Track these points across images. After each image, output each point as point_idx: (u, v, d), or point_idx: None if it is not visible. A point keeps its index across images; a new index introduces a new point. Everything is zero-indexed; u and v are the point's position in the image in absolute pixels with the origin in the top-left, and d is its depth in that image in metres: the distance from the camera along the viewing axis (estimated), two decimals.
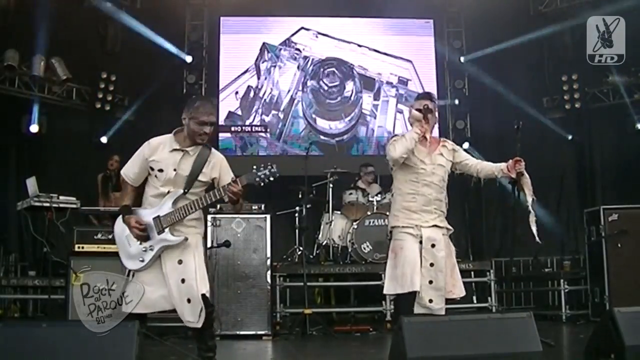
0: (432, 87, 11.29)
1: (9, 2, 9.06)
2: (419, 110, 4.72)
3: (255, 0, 10.97)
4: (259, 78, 11.16)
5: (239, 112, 11.06)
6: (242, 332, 7.08)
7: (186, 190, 4.37)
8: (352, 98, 11.24)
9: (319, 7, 11.20)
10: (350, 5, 11.20)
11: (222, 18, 11.23)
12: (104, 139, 10.28)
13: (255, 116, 11.08)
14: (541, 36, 10.45)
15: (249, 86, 11.11)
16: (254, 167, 4.33)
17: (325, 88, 11.22)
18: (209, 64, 11.19)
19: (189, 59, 10.93)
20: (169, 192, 4.36)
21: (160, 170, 4.36)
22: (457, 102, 11.30)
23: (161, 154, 4.37)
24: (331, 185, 8.86)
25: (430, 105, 4.77)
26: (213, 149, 4.54)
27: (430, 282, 4.56)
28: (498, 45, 10.49)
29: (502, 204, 10.40)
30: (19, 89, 9.78)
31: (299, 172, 8.24)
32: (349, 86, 11.26)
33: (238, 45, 11.26)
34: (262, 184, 4.31)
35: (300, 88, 11.19)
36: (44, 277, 7.82)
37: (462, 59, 11.26)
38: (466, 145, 11.10)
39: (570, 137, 10.73)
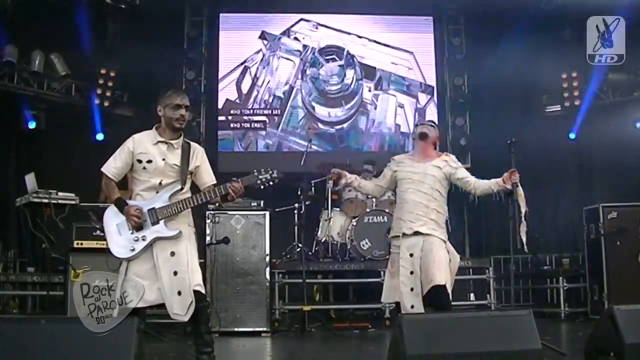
0: (431, 84, 11.34)
1: None
2: None
3: None
4: (257, 67, 11.14)
5: (238, 101, 11.06)
6: (240, 329, 7.09)
7: (183, 187, 4.48)
8: (352, 86, 11.21)
9: (319, 3, 11.20)
10: (350, 2, 11.18)
11: (221, 14, 11.22)
12: (102, 135, 10.27)
13: (253, 105, 11.07)
14: (541, 33, 10.45)
15: (247, 75, 11.09)
16: (255, 170, 4.51)
17: (325, 75, 11.19)
18: (208, 61, 11.18)
19: (188, 55, 10.91)
20: (161, 182, 4.46)
21: (149, 162, 4.47)
22: (461, 100, 11.28)
23: (147, 147, 4.50)
24: (330, 182, 8.84)
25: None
26: (191, 142, 4.68)
27: (412, 289, 4.89)
28: (497, 43, 10.48)
29: (502, 201, 10.38)
30: (18, 85, 9.75)
31: (299, 169, 8.24)
32: (349, 74, 11.23)
33: (237, 41, 11.25)
34: (262, 187, 4.50)
35: (300, 77, 11.17)
36: (42, 273, 7.82)
37: (461, 56, 11.25)
38: (463, 142, 11.10)
39: (569, 135, 10.72)
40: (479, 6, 10.60)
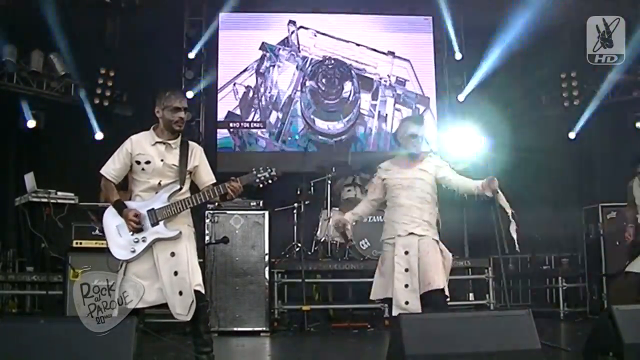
0: (430, 85, 11.34)
1: None
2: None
3: None
4: (257, 78, 11.13)
5: (238, 112, 11.03)
6: (240, 329, 7.10)
7: (182, 187, 4.46)
8: (351, 98, 11.21)
9: (318, 4, 11.19)
10: (350, 2, 11.18)
11: (221, 14, 11.21)
12: (102, 135, 10.27)
13: (254, 116, 11.04)
14: (540, 33, 10.44)
15: (247, 86, 11.07)
16: (254, 169, 4.50)
17: (324, 89, 11.19)
18: (208, 60, 11.17)
19: (188, 55, 10.91)
20: (159, 183, 4.45)
21: (148, 162, 4.47)
22: (461, 99, 11.27)
23: (145, 147, 4.50)
24: (329, 182, 8.85)
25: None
26: (190, 141, 4.66)
27: (406, 285, 4.87)
28: (497, 42, 10.47)
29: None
30: (18, 84, 9.75)
31: (298, 169, 8.24)
32: (347, 87, 11.22)
33: (237, 41, 11.24)
34: (260, 185, 4.49)
35: (299, 88, 11.16)
36: (41, 272, 7.81)
37: (460, 56, 11.25)
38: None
39: (569, 135, 10.72)
40: (479, 5, 10.61)
